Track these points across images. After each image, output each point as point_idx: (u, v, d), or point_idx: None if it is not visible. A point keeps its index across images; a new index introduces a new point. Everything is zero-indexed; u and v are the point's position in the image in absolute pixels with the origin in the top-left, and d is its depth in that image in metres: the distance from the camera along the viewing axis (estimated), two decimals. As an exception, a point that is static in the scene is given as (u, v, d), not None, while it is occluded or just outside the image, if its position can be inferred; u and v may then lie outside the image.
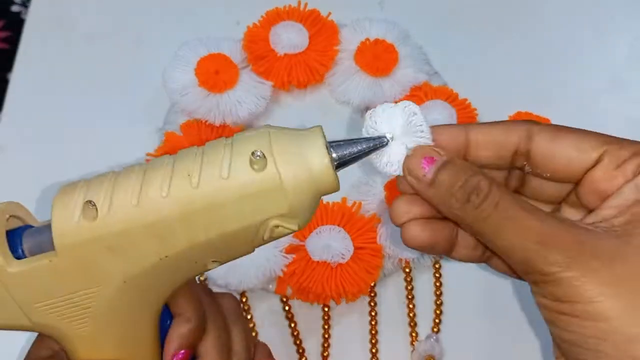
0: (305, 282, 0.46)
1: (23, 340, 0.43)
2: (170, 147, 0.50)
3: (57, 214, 0.29)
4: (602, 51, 0.59)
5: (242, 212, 0.28)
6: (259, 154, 0.28)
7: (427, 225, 0.31)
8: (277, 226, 0.29)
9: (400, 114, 0.31)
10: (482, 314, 0.49)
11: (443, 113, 0.51)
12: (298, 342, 0.48)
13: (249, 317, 0.48)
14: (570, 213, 0.32)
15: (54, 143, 0.53)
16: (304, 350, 0.48)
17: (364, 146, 0.30)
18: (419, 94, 0.53)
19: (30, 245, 0.30)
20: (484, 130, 0.31)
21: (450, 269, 0.50)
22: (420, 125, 0.31)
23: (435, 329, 0.48)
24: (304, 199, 0.29)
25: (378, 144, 0.30)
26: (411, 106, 0.31)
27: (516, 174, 0.33)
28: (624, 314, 0.27)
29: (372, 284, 0.48)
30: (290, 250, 0.47)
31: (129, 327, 0.32)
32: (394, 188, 0.49)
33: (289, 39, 0.53)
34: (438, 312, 0.49)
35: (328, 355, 0.48)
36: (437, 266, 0.50)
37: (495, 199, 0.29)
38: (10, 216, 0.32)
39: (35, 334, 0.35)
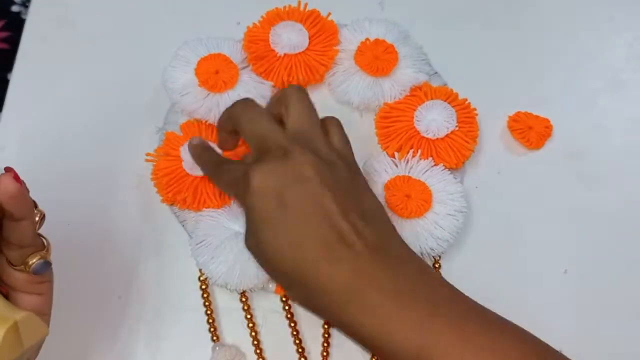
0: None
1: None
2: (170, 147, 0.50)
3: None
4: (602, 51, 0.59)
5: None
6: None
7: None
8: None
9: None
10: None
11: (443, 113, 0.52)
12: (298, 342, 0.48)
13: (249, 316, 0.48)
14: None
15: (54, 143, 0.53)
16: (303, 350, 0.48)
17: None
18: (419, 94, 0.53)
19: None
20: None
21: (451, 269, 0.50)
22: None
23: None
24: None
25: None
26: None
27: None
28: None
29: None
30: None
31: None
32: (395, 188, 0.49)
33: (289, 39, 0.53)
34: (438, 312, 0.49)
35: (328, 355, 0.48)
36: (437, 265, 0.50)
37: None
38: None
39: None
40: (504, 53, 0.58)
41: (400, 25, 0.55)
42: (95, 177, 0.52)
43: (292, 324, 0.48)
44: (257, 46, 0.53)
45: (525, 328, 0.41)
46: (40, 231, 0.38)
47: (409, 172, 0.50)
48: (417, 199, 0.49)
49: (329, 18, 0.55)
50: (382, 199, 0.49)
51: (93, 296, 0.49)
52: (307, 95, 0.46)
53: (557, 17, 0.60)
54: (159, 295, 0.49)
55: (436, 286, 0.42)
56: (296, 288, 0.42)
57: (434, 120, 0.51)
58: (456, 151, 0.51)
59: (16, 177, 0.35)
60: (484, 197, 0.53)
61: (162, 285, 0.49)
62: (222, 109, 0.51)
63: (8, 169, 0.36)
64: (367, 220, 0.42)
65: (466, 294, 0.49)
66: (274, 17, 0.54)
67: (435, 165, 0.51)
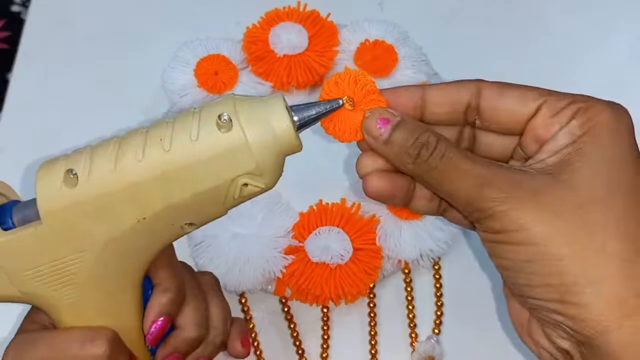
0: (304, 284, 0.46)
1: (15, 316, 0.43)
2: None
3: (41, 184, 0.31)
4: (602, 51, 0.59)
5: (212, 171, 0.30)
6: (225, 117, 0.30)
7: (386, 176, 0.35)
8: (245, 184, 0.31)
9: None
10: (482, 315, 0.49)
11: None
12: (297, 343, 0.48)
13: (248, 317, 0.48)
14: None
15: (54, 143, 0.53)
16: (303, 352, 0.48)
17: (322, 108, 0.33)
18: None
19: (19, 217, 0.32)
20: (438, 89, 0.35)
21: (450, 269, 0.50)
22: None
23: (436, 330, 0.48)
24: (269, 158, 0.30)
25: (335, 105, 0.33)
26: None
27: (468, 132, 0.36)
28: (549, 237, 0.30)
29: (372, 285, 0.48)
30: (290, 251, 0.47)
31: (112, 294, 0.34)
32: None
33: (289, 39, 0.53)
34: (439, 313, 0.49)
35: (327, 356, 0.48)
36: (436, 267, 0.50)
37: (442, 151, 0.32)
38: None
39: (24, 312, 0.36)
40: (504, 53, 0.58)
41: (399, 26, 0.55)
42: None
43: (291, 325, 0.48)
44: (256, 47, 0.53)
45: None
46: None
47: (408, 173, 0.50)
48: (417, 200, 0.49)
49: (329, 19, 0.55)
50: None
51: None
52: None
53: (557, 17, 0.60)
54: (158, 296, 0.49)
55: None
56: None
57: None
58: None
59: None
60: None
61: (161, 286, 0.49)
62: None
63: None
64: None
65: (466, 295, 0.49)
66: (274, 18, 0.54)
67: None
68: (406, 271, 0.49)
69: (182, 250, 0.49)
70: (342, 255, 0.47)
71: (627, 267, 0.30)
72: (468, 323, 0.48)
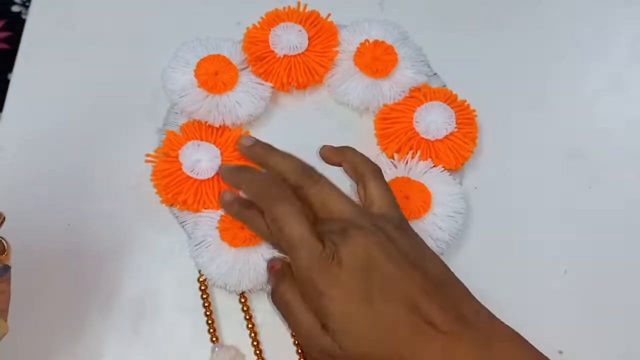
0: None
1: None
2: (170, 148, 0.50)
3: None
4: (602, 51, 0.59)
5: None
6: None
7: None
8: None
9: None
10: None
11: (442, 114, 0.52)
12: (297, 342, 0.48)
13: (248, 317, 0.48)
14: None
15: (54, 143, 0.53)
16: (303, 351, 0.48)
17: None
18: (418, 96, 0.53)
19: None
20: None
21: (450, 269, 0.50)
22: None
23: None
24: None
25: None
26: None
27: None
28: None
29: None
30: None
31: None
32: (394, 189, 0.49)
33: (289, 40, 0.53)
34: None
35: (327, 356, 0.48)
36: (436, 267, 0.50)
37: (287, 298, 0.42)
38: None
39: None
40: (504, 53, 0.58)
41: (399, 27, 0.55)
42: (95, 178, 0.52)
43: (292, 325, 0.48)
44: (256, 47, 0.53)
45: (526, 328, 0.41)
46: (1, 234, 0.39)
47: (408, 173, 0.50)
48: (416, 200, 0.49)
49: (329, 19, 0.55)
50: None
51: (92, 296, 0.49)
52: (381, 173, 0.46)
53: (557, 17, 0.60)
54: (158, 295, 0.49)
55: None
56: None
57: (434, 121, 0.51)
58: (455, 152, 0.51)
59: None
60: (483, 198, 0.53)
61: (161, 286, 0.49)
62: (222, 110, 0.51)
63: None
64: (443, 294, 0.41)
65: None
66: (274, 18, 0.54)
67: (434, 166, 0.51)
68: (406, 271, 0.49)
69: (182, 250, 0.49)
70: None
71: None
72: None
